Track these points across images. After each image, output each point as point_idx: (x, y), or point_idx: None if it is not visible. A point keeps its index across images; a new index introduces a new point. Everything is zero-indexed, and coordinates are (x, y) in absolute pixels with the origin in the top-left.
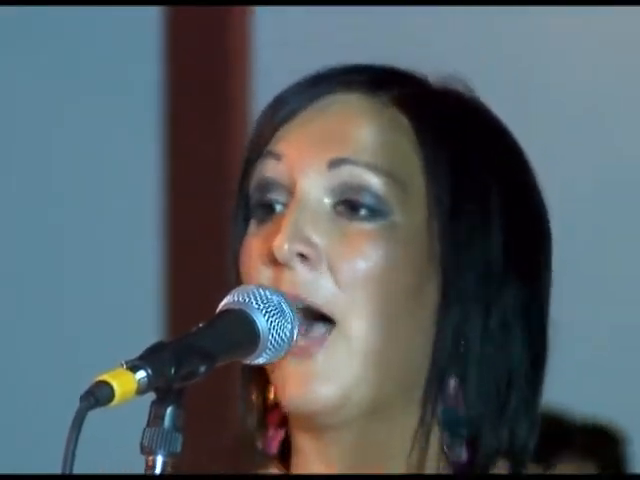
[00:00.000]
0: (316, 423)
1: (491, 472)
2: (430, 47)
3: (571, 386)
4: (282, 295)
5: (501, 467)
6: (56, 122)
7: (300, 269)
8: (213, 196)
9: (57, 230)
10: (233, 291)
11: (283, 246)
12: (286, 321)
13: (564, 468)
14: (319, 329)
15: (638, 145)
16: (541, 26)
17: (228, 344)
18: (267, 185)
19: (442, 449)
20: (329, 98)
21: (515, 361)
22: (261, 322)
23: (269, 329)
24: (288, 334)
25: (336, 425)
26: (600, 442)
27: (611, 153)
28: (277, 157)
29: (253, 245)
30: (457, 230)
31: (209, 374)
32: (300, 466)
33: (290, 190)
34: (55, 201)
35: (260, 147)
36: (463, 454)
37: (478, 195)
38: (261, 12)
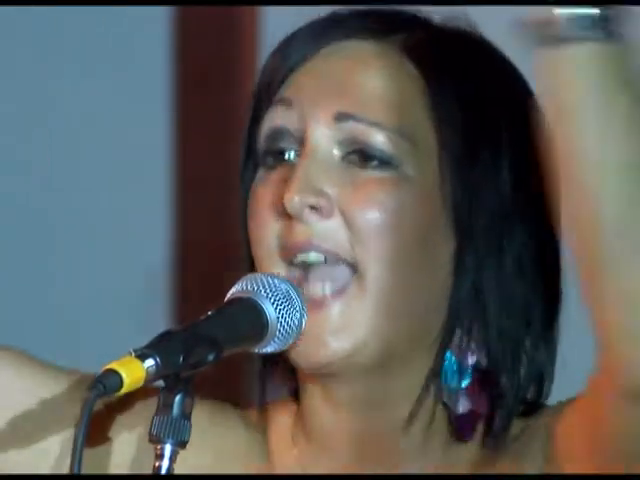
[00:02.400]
0: (325, 372)
1: (511, 420)
2: None
3: None
4: (291, 283)
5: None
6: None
7: (312, 220)
8: (222, 186)
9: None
10: (242, 279)
11: (294, 198)
12: (295, 309)
13: None
14: (338, 280)
15: None
16: None
17: (237, 333)
18: (277, 132)
19: (438, 399)
20: (338, 44)
21: (531, 305)
22: (270, 311)
23: (278, 318)
24: (297, 322)
25: (344, 373)
26: None
27: None
28: (288, 103)
29: (263, 194)
30: (469, 179)
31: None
32: (308, 408)
33: (300, 138)
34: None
35: (269, 93)
36: (464, 407)
37: (489, 140)
38: (270, 11)
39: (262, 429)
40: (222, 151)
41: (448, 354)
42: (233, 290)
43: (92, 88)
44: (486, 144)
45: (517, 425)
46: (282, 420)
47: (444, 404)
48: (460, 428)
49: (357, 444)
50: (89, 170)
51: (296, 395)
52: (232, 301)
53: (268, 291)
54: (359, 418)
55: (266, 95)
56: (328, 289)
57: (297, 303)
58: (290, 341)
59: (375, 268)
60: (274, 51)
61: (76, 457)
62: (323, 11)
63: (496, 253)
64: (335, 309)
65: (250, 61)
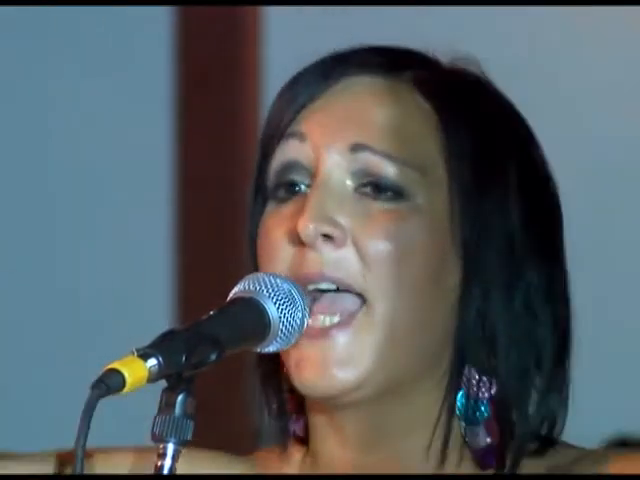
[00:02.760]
0: (331, 403)
1: (523, 454)
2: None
3: None
4: (293, 283)
5: (531, 448)
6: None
7: (325, 249)
8: (224, 186)
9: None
10: (244, 279)
11: (308, 226)
12: (297, 309)
13: None
14: (346, 311)
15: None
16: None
17: (239, 332)
18: (290, 165)
19: (462, 437)
20: (348, 80)
21: (541, 342)
22: (272, 310)
23: (280, 317)
24: (299, 322)
25: (351, 405)
26: None
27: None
28: (301, 137)
29: (274, 225)
30: (479, 211)
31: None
32: (317, 444)
33: (312, 171)
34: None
35: (281, 128)
36: (483, 440)
37: (498, 176)
38: (273, 11)
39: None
40: (222, 150)
41: (461, 391)
42: (235, 290)
43: (93, 88)
44: (495, 179)
45: (535, 464)
46: (291, 461)
47: (464, 439)
48: (482, 459)
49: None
50: (91, 169)
51: (303, 437)
52: (234, 301)
53: (270, 291)
54: (366, 453)
55: (277, 131)
56: (337, 318)
57: (299, 303)
58: (292, 341)
59: (384, 299)
60: (282, 90)
61: (78, 457)
62: (324, 11)
63: (503, 287)
64: (342, 339)
65: (252, 61)
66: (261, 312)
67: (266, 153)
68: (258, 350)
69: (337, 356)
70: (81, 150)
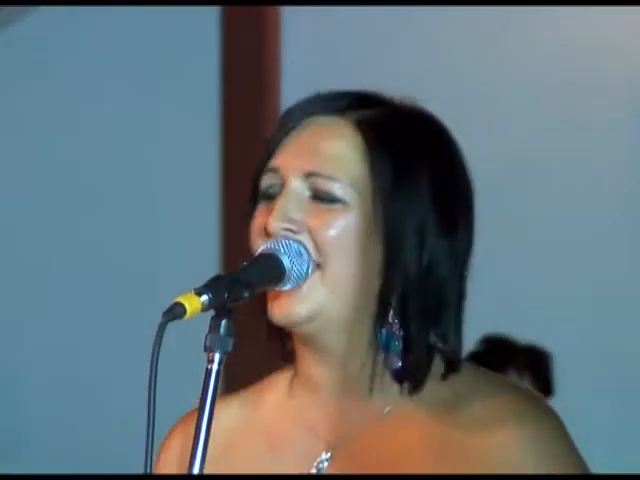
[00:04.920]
0: (301, 332)
1: (424, 374)
2: (448, 45)
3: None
4: (301, 244)
5: (437, 365)
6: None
7: (288, 238)
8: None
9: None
10: (267, 241)
11: (272, 224)
12: (303, 261)
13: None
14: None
15: None
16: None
17: (264, 277)
18: (269, 186)
19: (383, 364)
20: (311, 119)
21: (442, 291)
22: (286, 262)
23: (291, 267)
24: (305, 269)
25: (314, 333)
26: (534, 358)
27: None
28: (274, 171)
29: (256, 222)
30: (394, 210)
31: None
32: (298, 365)
33: (281, 187)
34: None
35: (265, 161)
36: (396, 364)
37: (411, 184)
38: (289, 12)
39: (254, 403)
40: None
41: (383, 330)
42: (261, 249)
43: (147, 96)
44: (408, 188)
45: (441, 388)
46: (282, 379)
47: (384, 365)
48: (397, 377)
49: (337, 389)
50: (146, 168)
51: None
52: (260, 256)
53: (285, 249)
54: (334, 369)
55: (262, 165)
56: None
57: (305, 257)
58: (301, 282)
59: (331, 266)
60: (277, 124)
61: (152, 376)
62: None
63: (414, 257)
64: (303, 289)
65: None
66: (278, 264)
67: (257, 177)
68: (277, 289)
69: (299, 298)
70: (131, 150)
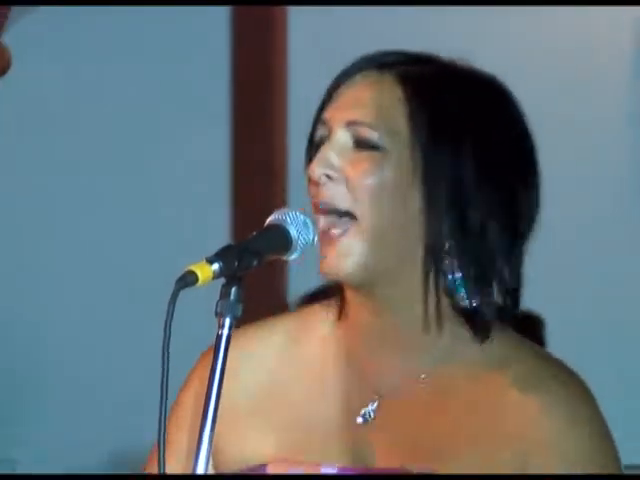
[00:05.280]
0: (349, 285)
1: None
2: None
3: None
4: (307, 215)
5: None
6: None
7: (327, 184)
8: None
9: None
10: (275, 212)
11: (315, 170)
12: (309, 231)
13: None
14: (344, 224)
15: None
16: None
17: (272, 247)
18: (320, 137)
19: (450, 307)
20: (358, 75)
21: (495, 248)
22: (293, 232)
23: (298, 237)
24: (310, 240)
25: (361, 285)
26: (528, 324)
27: None
28: (323, 122)
29: (308, 169)
30: (431, 160)
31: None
32: (348, 310)
33: (328, 136)
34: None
35: (318, 114)
36: (465, 300)
37: (449, 135)
38: (296, 11)
39: (298, 338)
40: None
41: (451, 277)
42: (269, 219)
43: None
44: (445, 140)
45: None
46: (325, 315)
47: (452, 308)
48: (467, 317)
49: (382, 336)
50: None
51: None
52: (268, 227)
53: (292, 220)
54: (380, 318)
55: (319, 113)
56: (339, 230)
57: (311, 228)
58: (305, 249)
59: (367, 216)
60: (332, 81)
61: (166, 335)
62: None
63: (452, 206)
64: (341, 244)
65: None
66: (286, 234)
67: (313, 128)
68: (285, 258)
69: (339, 254)
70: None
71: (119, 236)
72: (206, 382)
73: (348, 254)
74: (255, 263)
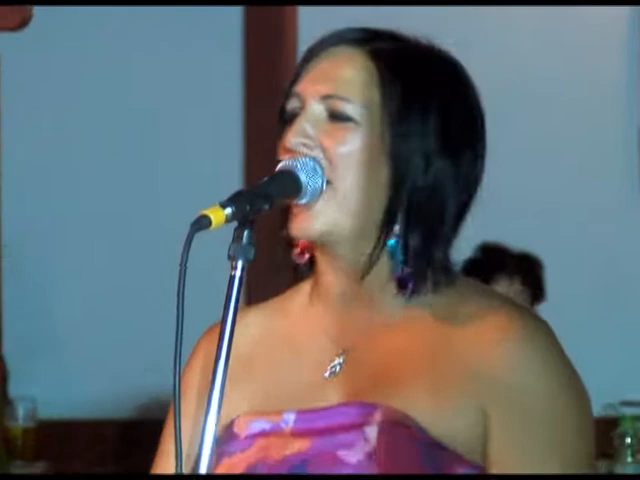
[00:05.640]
0: (315, 244)
1: (424, 278)
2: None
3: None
4: (317, 162)
5: (435, 276)
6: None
7: (303, 153)
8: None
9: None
10: (286, 159)
11: (291, 139)
12: (318, 177)
13: (500, 285)
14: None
15: None
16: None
17: (282, 191)
18: (292, 109)
19: (389, 270)
20: (330, 49)
21: (444, 209)
22: (303, 178)
23: (307, 182)
24: (319, 185)
25: (325, 245)
26: (525, 265)
27: None
28: (296, 95)
29: (283, 139)
30: (399, 130)
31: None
32: (318, 276)
33: (301, 109)
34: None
35: (289, 87)
36: (400, 270)
37: (418, 109)
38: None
39: (278, 311)
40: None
41: (393, 241)
42: (280, 165)
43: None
44: (415, 112)
45: (437, 298)
46: (304, 291)
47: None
48: (399, 284)
49: (346, 296)
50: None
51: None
52: (279, 172)
53: (302, 166)
54: (343, 278)
55: (291, 86)
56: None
57: (319, 173)
58: (315, 197)
59: (341, 181)
60: (302, 55)
61: (181, 276)
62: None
63: (418, 176)
64: (317, 205)
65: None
66: (296, 179)
67: (285, 100)
68: (295, 202)
69: (314, 213)
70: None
71: (138, 183)
72: (212, 355)
73: (319, 215)
74: (266, 207)
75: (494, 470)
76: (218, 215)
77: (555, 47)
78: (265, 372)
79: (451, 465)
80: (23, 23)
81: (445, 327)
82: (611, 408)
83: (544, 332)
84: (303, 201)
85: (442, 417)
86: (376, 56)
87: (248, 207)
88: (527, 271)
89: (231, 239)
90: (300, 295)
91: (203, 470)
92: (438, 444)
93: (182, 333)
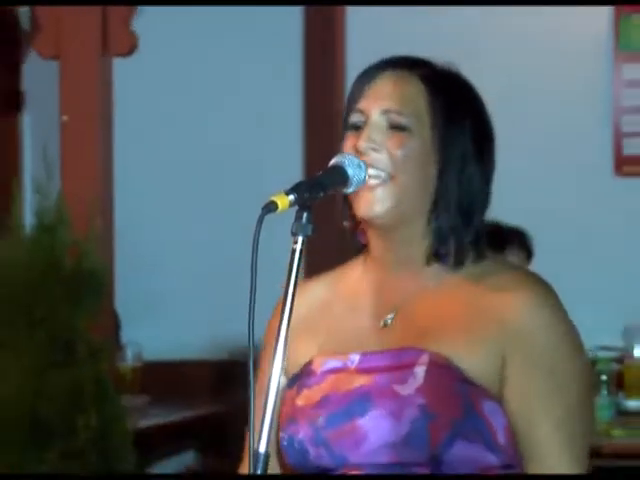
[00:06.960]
0: (375, 225)
1: (461, 253)
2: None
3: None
4: (361, 160)
5: (471, 251)
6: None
7: (371, 154)
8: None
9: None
10: (336, 155)
11: (362, 144)
12: (362, 171)
13: (510, 255)
14: (383, 178)
15: None
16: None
17: (333, 182)
18: (356, 121)
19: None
20: (387, 73)
21: (475, 200)
22: (350, 171)
23: (353, 175)
24: (362, 178)
25: (383, 226)
26: (523, 237)
27: None
28: (360, 111)
29: (347, 144)
30: (446, 136)
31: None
32: (371, 250)
33: (366, 121)
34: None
35: (352, 104)
36: (442, 246)
37: (457, 122)
38: (352, 11)
39: (338, 279)
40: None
41: (438, 223)
42: (332, 161)
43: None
44: (457, 122)
45: (474, 268)
46: (359, 263)
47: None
48: (442, 258)
49: (396, 266)
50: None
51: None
52: (331, 167)
53: (349, 162)
54: (394, 253)
55: (351, 106)
56: (374, 182)
57: (363, 168)
58: (360, 186)
59: (399, 176)
60: (355, 81)
61: (254, 251)
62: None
63: (459, 172)
64: (379, 192)
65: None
66: (344, 172)
67: (347, 115)
68: (344, 191)
69: (376, 199)
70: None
71: (227, 181)
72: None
73: (382, 200)
74: (321, 194)
75: (508, 406)
76: (283, 201)
77: (538, 47)
78: (331, 324)
79: (478, 397)
80: (133, 49)
81: (477, 290)
82: (590, 351)
83: (553, 295)
84: (350, 190)
85: (474, 360)
86: (424, 79)
87: (307, 194)
88: (526, 244)
89: (293, 220)
90: (356, 266)
91: (270, 404)
92: (470, 381)
93: (255, 295)
